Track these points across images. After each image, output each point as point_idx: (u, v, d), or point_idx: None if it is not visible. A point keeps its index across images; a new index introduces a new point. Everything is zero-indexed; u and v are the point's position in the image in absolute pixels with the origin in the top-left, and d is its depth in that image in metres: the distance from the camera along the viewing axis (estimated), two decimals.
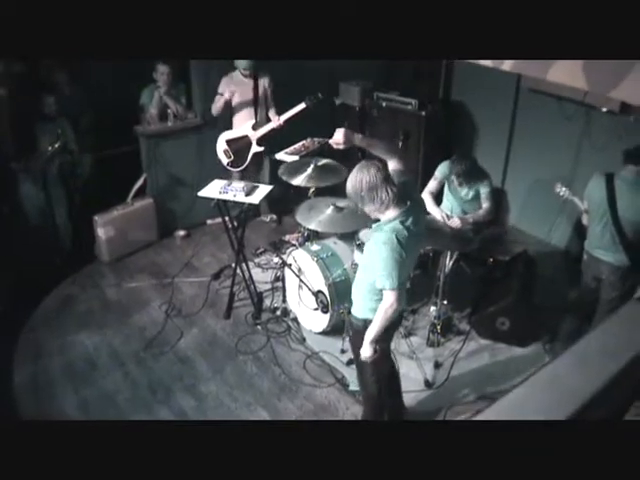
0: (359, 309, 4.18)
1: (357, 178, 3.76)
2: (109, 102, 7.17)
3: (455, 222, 5.89)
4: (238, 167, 7.26)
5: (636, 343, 3.42)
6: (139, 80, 7.30)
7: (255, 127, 7.16)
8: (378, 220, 3.91)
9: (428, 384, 5.33)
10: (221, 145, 7.27)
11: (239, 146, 7.22)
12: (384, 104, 8.12)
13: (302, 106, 6.83)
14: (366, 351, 4.04)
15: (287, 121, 7.02)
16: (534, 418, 2.40)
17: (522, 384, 2.83)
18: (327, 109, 8.52)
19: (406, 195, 3.87)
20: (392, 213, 3.81)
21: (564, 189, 5.46)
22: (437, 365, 5.59)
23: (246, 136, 7.20)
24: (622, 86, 3.29)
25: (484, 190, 5.99)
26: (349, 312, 4.38)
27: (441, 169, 6.13)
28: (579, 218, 5.97)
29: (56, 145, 6.40)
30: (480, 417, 2.44)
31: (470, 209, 6.09)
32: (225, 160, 7.27)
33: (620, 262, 5.00)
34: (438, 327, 5.82)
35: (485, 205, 6.03)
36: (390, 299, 3.82)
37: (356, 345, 4.32)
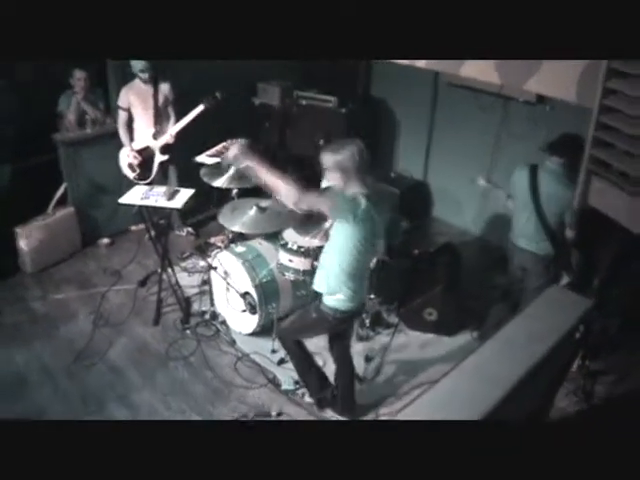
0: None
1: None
2: (27, 110, 7.01)
3: None
4: (145, 179, 7.00)
5: (560, 327, 3.51)
6: (56, 86, 7.17)
7: (156, 136, 6.97)
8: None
9: (360, 379, 5.37)
10: (124, 159, 7.03)
11: (143, 158, 7.01)
12: (304, 102, 8.15)
13: (200, 108, 6.67)
14: None
15: (188, 127, 6.84)
16: (461, 408, 2.45)
17: (449, 374, 2.89)
18: (246, 109, 8.49)
19: None
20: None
21: (484, 182, 5.57)
22: (368, 359, 5.64)
23: (148, 147, 7.02)
24: (534, 79, 3.38)
25: None
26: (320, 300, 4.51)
27: None
28: (501, 208, 6.13)
29: None
30: (409, 410, 2.47)
31: None
32: (131, 174, 7.02)
33: (544, 251, 5.11)
34: (367, 321, 5.90)
35: None
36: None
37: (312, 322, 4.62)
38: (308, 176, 6.85)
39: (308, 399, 5.19)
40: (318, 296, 4.53)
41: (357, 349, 5.71)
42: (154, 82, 6.89)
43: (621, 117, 2.68)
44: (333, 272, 4.31)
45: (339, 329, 4.69)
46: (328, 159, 4.12)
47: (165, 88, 6.97)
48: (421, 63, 4.13)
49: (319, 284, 4.48)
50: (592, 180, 2.89)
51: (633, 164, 2.65)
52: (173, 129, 6.90)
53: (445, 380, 2.80)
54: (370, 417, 5.01)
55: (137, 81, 6.85)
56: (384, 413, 5.05)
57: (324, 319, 4.47)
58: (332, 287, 4.35)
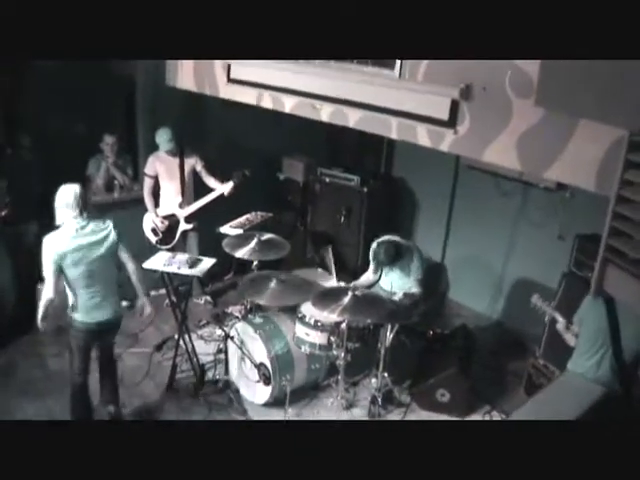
0: None
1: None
2: (54, 170, 7.15)
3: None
4: (167, 245, 7.21)
5: (569, 414, 3.55)
6: (86, 149, 7.35)
7: (182, 205, 7.18)
8: None
9: None
10: (148, 224, 7.26)
11: (167, 224, 7.23)
12: (327, 180, 8.31)
13: (230, 185, 6.92)
14: None
15: (214, 199, 7.08)
16: None
17: None
18: (271, 183, 8.65)
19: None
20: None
21: (542, 303, 5.07)
22: None
23: (174, 214, 7.22)
24: (554, 166, 3.47)
25: (414, 276, 6.17)
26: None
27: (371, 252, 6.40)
28: (514, 290, 6.14)
29: (3, 213, 6.37)
30: None
31: (406, 284, 6.20)
32: (153, 238, 7.25)
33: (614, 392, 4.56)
34: (379, 399, 5.87)
35: (414, 290, 6.16)
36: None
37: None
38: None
39: None
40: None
41: None
42: (180, 153, 7.09)
43: (637, 208, 2.76)
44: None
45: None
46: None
47: (191, 160, 7.18)
48: (444, 147, 4.24)
49: None
50: (608, 268, 2.96)
51: None
52: (200, 202, 7.13)
53: None
54: None
55: (163, 152, 7.06)
56: None
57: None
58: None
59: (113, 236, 5.10)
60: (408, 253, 6.16)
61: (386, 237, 6.21)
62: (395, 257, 6.05)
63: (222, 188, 6.98)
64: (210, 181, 7.21)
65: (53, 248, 4.82)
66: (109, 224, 5.10)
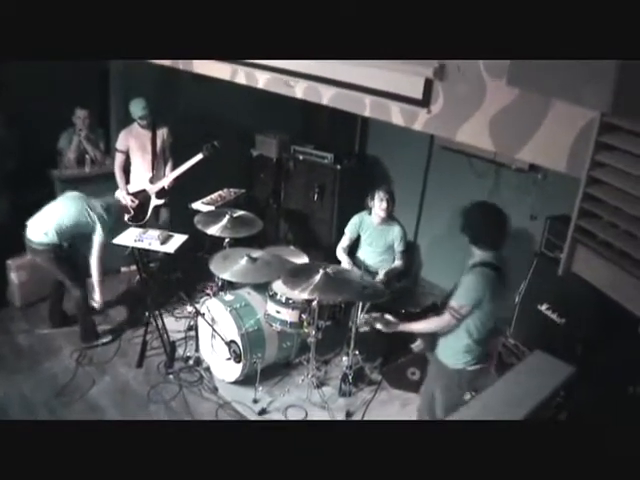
0: None
1: None
2: (27, 144, 7.07)
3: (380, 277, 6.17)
4: (139, 222, 7.11)
5: (539, 392, 3.57)
6: (58, 123, 7.26)
7: (153, 180, 7.11)
8: None
9: None
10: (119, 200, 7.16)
11: (139, 201, 7.14)
12: (301, 157, 8.27)
13: (199, 157, 6.82)
14: None
15: (186, 173, 7.00)
16: None
17: None
18: (244, 160, 8.60)
19: None
20: None
21: (363, 322, 5.40)
22: (349, 414, 5.64)
23: (144, 190, 7.14)
24: (527, 147, 3.47)
25: (398, 249, 6.32)
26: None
27: (352, 223, 6.48)
28: None
29: None
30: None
31: (384, 260, 6.28)
32: (125, 216, 7.13)
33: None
34: (350, 377, 5.89)
35: (397, 262, 6.28)
36: None
37: None
38: (299, 230, 6.96)
39: None
40: None
41: (339, 404, 5.77)
42: (152, 127, 7.02)
43: (607, 189, 2.76)
44: None
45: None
46: None
47: (163, 132, 7.11)
48: (417, 126, 4.22)
49: None
50: (577, 249, 2.97)
51: (617, 235, 2.74)
52: (171, 175, 7.00)
53: None
54: None
55: (136, 125, 6.98)
56: None
57: None
58: None
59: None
60: (395, 221, 6.35)
61: None
62: (393, 202, 6.29)
63: (190, 162, 6.91)
64: (168, 161, 7.22)
65: None
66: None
